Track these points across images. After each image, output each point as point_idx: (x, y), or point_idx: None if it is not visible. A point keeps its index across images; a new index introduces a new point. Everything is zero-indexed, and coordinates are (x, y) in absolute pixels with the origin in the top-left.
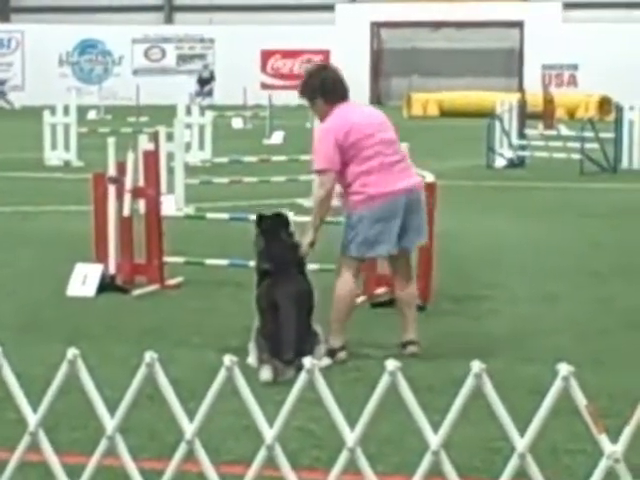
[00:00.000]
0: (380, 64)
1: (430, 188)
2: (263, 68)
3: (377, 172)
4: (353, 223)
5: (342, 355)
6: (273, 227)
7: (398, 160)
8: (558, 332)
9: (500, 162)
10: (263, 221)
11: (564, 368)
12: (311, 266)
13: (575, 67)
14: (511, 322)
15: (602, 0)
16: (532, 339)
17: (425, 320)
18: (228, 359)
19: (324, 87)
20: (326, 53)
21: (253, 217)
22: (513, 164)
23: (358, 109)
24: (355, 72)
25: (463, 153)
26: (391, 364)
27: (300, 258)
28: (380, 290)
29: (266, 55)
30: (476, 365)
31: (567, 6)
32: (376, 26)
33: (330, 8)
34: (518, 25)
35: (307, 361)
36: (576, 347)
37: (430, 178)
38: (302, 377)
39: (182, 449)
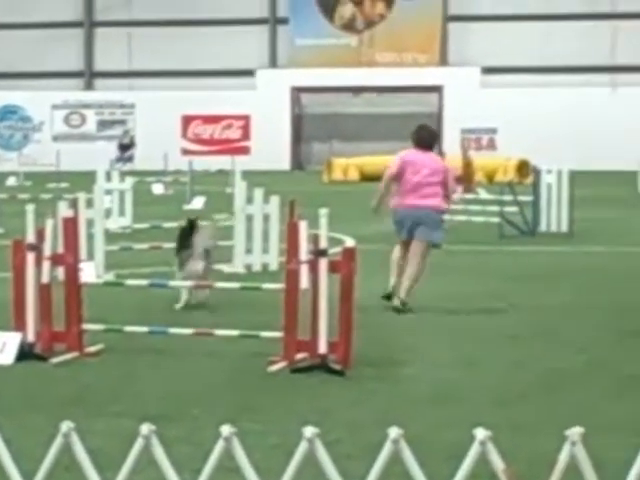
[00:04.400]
0: (301, 129)
1: (350, 253)
2: (184, 133)
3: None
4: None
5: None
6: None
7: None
8: (477, 396)
9: None
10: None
11: (481, 433)
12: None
13: (494, 131)
14: (430, 387)
15: (520, 65)
16: (451, 403)
17: (345, 385)
18: (146, 428)
19: (415, 136)
20: (247, 118)
21: (173, 283)
22: None
23: (421, 154)
24: (276, 137)
25: (384, 218)
26: (309, 431)
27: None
28: (300, 355)
29: (187, 120)
30: (394, 431)
31: (485, 71)
32: (297, 91)
33: (251, 73)
34: (437, 90)
35: (225, 429)
36: (494, 411)
37: (350, 243)
38: (219, 445)
39: None
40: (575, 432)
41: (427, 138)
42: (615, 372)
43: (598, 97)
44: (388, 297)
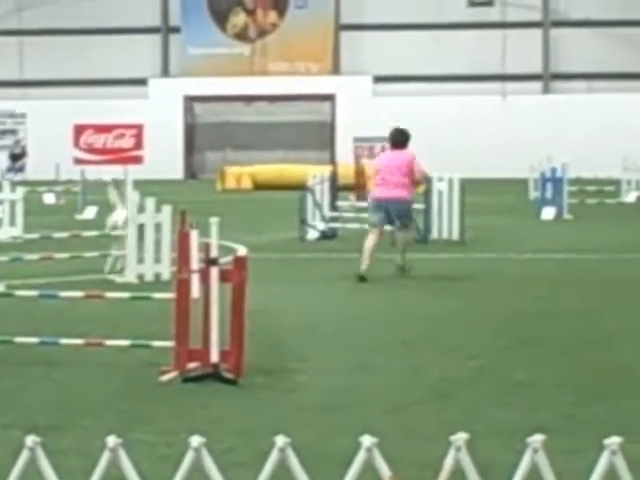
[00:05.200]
0: (194, 138)
1: (241, 262)
2: (76, 143)
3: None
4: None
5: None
6: None
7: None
8: (369, 403)
9: (313, 234)
10: None
11: (367, 440)
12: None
13: (386, 139)
14: (323, 394)
15: (411, 73)
16: (343, 411)
17: (237, 394)
18: (30, 439)
19: (390, 138)
20: (139, 127)
21: (63, 294)
22: (326, 236)
23: (392, 154)
24: (169, 146)
25: (277, 226)
26: (195, 440)
27: None
28: (192, 365)
29: (79, 130)
30: (280, 439)
31: (377, 80)
32: (189, 100)
33: (143, 82)
34: (330, 98)
35: (111, 440)
36: (386, 418)
37: (243, 252)
38: (105, 456)
39: None
40: (460, 438)
41: (396, 139)
42: (504, 378)
43: (489, 105)
44: (362, 278)
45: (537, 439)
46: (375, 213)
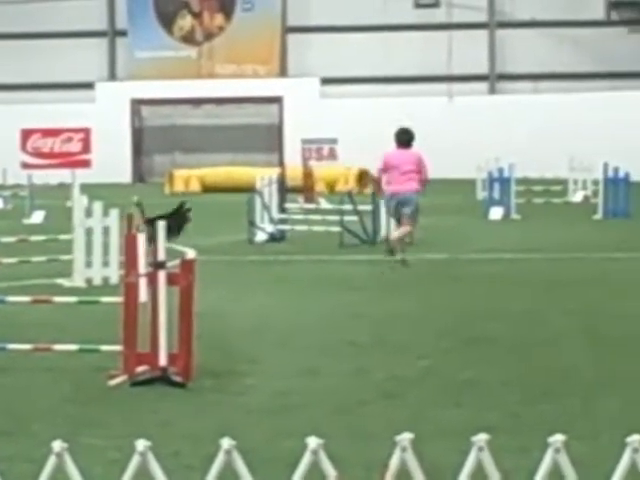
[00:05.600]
0: (142, 141)
1: (188, 265)
2: (23, 147)
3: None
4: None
5: None
6: None
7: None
8: (317, 405)
9: (261, 236)
10: None
11: (313, 441)
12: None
13: (334, 141)
14: (271, 396)
15: (358, 75)
16: (291, 413)
17: (185, 397)
18: None
19: (395, 137)
20: (87, 131)
21: (11, 299)
22: (274, 238)
23: (399, 151)
24: (117, 150)
25: (225, 229)
26: (141, 444)
27: None
28: (140, 368)
29: (26, 134)
30: (226, 442)
31: (325, 81)
32: (137, 103)
33: (90, 86)
34: (277, 101)
35: (56, 445)
36: (334, 419)
37: (191, 255)
38: (51, 461)
39: None
40: (405, 438)
41: (402, 138)
42: (451, 378)
43: (435, 106)
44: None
45: (481, 438)
46: (391, 207)
